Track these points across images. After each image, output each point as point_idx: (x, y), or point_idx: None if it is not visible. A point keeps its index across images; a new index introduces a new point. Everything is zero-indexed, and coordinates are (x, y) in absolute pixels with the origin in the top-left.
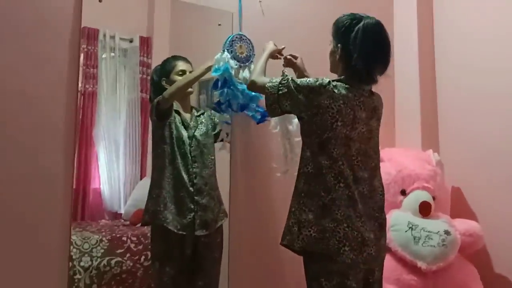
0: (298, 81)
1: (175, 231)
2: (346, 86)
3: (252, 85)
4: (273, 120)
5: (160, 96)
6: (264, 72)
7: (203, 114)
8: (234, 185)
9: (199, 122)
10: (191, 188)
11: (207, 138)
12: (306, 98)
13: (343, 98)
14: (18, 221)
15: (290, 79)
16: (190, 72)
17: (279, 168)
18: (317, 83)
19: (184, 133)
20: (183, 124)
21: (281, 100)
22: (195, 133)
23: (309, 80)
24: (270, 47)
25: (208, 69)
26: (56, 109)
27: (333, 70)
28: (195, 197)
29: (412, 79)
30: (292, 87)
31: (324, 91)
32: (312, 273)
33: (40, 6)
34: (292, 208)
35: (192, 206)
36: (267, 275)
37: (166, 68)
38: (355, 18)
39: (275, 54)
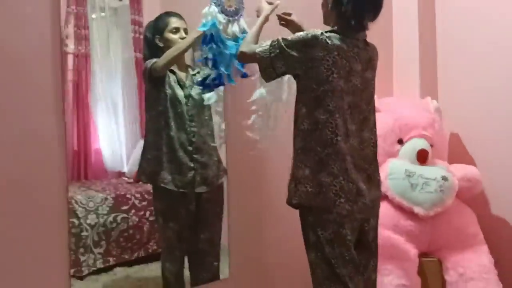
0: (289, 38)
1: (176, 189)
2: (340, 37)
3: (242, 56)
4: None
5: (153, 61)
6: (257, 40)
7: (198, 72)
8: (230, 143)
9: (194, 81)
10: (189, 147)
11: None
12: (299, 53)
13: (338, 49)
14: (14, 185)
15: (280, 39)
16: (184, 29)
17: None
18: (309, 35)
19: (180, 93)
20: (178, 84)
21: (274, 62)
22: (191, 92)
23: (300, 35)
24: (265, 11)
25: (199, 36)
26: (41, 69)
27: (326, 22)
28: (194, 156)
29: (410, 26)
30: (284, 46)
31: (317, 43)
32: (307, 224)
33: None
34: (292, 166)
35: (192, 165)
36: (265, 230)
37: (159, 25)
38: None
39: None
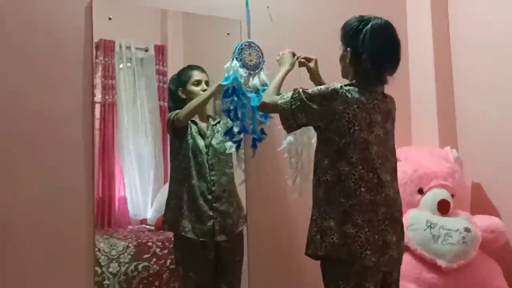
0: (310, 90)
1: (195, 238)
2: (359, 90)
3: (263, 106)
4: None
5: (175, 112)
6: (278, 91)
7: (219, 122)
8: (250, 191)
9: (215, 131)
10: (209, 196)
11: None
12: (320, 106)
13: (357, 102)
14: (47, 236)
15: (301, 91)
16: (206, 81)
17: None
18: (329, 89)
19: (201, 142)
20: (199, 134)
21: (295, 114)
22: (211, 142)
23: (320, 88)
24: (286, 65)
25: (220, 87)
26: (74, 126)
27: (344, 75)
28: (214, 204)
29: (427, 76)
30: (305, 99)
31: (337, 96)
32: (330, 277)
33: (52, 28)
34: (313, 216)
35: (211, 213)
36: (286, 279)
37: (182, 78)
38: (363, 20)
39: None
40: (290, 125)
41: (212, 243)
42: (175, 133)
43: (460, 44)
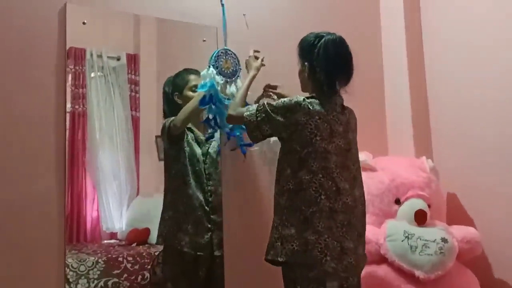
0: (274, 103)
1: (192, 252)
2: (320, 102)
3: (230, 118)
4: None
5: (171, 119)
6: (244, 101)
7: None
8: (226, 201)
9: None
10: (206, 207)
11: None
12: (284, 118)
13: (318, 114)
14: (12, 250)
15: (265, 103)
16: None
17: None
18: (293, 101)
19: (198, 150)
20: (196, 141)
21: (261, 126)
22: (209, 150)
23: (284, 101)
24: (251, 71)
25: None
26: (45, 133)
27: (304, 89)
28: (212, 216)
29: (402, 86)
30: (269, 111)
31: (300, 108)
32: (289, 281)
33: (25, 31)
34: (275, 223)
35: (209, 226)
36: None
37: (178, 82)
38: (317, 36)
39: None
40: (255, 137)
41: (208, 257)
42: (172, 140)
43: (434, 54)
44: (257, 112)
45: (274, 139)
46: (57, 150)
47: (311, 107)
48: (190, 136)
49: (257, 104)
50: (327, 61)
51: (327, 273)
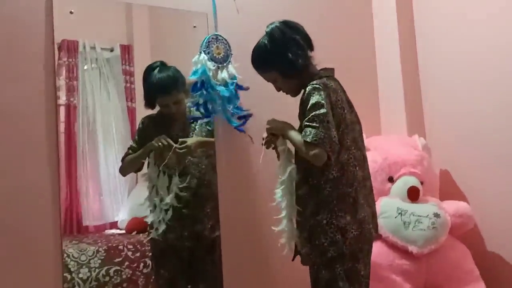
0: (317, 110)
1: (166, 243)
2: (326, 79)
3: (315, 158)
4: None
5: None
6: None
7: (196, 121)
8: (222, 188)
9: (190, 131)
10: (176, 200)
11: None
12: (329, 106)
13: (337, 88)
14: (10, 241)
15: (317, 113)
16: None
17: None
18: (320, 89)
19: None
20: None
21: (330, 134)
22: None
23: (317, 100)
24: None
25: (148, 150)
26: (37, 123)
27: (293, 92)
28: (183, 210)
29: (394, 65)
30: (326, 112)
31: (327, 90)
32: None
33: (11, 21)
34: (322, 221)
35: (180, 220)
36: (260, 277)
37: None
38: (264, 41)
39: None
40: (333, 148)
41: (183, 248)
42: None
43: (425, 34)
44: (318, 125)
45: None
46: (49, 140)
47: (330, 84)
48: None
49: (310, 121)
50: (283, 46)
51: (370, 240)
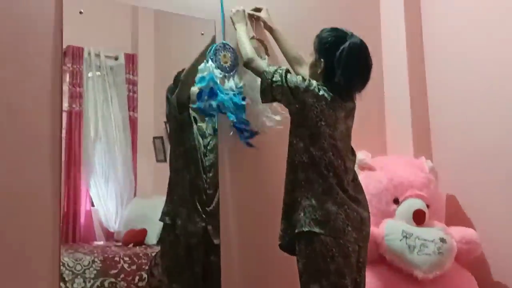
0: (289, 76)
1: (185, 238)
2: (330, 94)
3: (249, 62)
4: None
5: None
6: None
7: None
8: (223, 187)
9: (214, 131)
10: (204, 197)
11: None
12: (293, 93)
13: (325, 100)
14: (7, 249)
15: (284, 70)
16: None
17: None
18: (305, 83)
19: (201, 141)
20: (199, 132)
21: (274, 89)
22: (210, 142)
23: (298, 78)
24: (241, 26)
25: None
26: (41, 124)
27: (313, 78)
28: (207, 208)
29: (402, 86)
30: (284, 80)
31: (310, 90)
32: (312, 253)
33: (20, 21)
34: (298, 197)
35: (204, 216)
36: (259, 276)
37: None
38: (339, 36)
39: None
40: (266, 96)
41: (202, 245)
42: (181, 112)
43: (434, 54)
44: (274, 74)
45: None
46: (52, 142)
47: (320, 92)
48: (194, 127)
49: (278, 66)
50: (350, 67)
51: (349, 242)
